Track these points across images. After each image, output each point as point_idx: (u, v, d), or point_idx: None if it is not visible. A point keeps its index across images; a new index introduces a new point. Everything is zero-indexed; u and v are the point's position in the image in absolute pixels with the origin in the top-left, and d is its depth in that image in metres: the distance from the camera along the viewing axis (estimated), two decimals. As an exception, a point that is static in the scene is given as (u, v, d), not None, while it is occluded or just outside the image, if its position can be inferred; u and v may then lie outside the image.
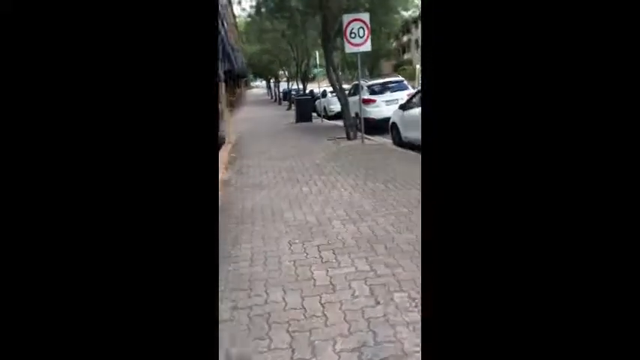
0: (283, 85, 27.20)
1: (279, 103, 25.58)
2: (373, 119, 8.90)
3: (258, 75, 33.37)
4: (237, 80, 31.22)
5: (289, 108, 19.06)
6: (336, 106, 12.13)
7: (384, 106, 9.17)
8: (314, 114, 13.98)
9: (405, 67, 32.29)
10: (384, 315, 1.90)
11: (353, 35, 7.21)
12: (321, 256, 2.65)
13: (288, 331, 1.84)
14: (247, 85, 56.29)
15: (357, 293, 2.12)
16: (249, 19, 17.58)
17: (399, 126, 7.05)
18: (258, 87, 58.62)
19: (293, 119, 13.63)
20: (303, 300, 2.10)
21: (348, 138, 8.14)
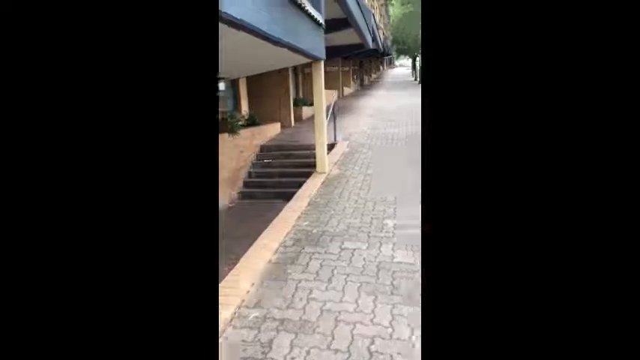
0: None
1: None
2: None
3: (403, 52, 30.02)
4: (379, 59, 29.61)
5: None
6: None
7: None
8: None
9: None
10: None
11: None
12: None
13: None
14: (391, 64, 54.24)
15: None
16: None
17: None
18: (402, 65, 54.97)
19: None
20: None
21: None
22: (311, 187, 5.02)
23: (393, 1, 18.73)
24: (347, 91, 19.07)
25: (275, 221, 3.82)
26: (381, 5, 25.48)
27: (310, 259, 3.02)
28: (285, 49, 3.95)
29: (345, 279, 2.69)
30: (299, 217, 3.94)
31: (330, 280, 2.68)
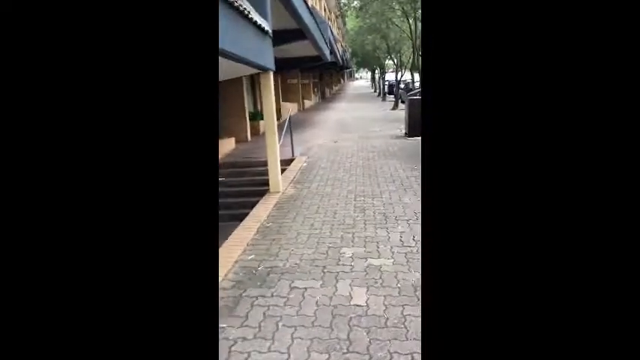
0: (390, 77, 23.27)
1: (383, 99, 21.32)
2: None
3: (362, 65, 30.09)
4: (339, 72, 29.97)
5: (395, 107, 15.38)
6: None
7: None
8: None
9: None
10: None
11: None
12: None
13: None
14: (351, 77, 55.16)
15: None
16: None
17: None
18: (362, 78, 56.76)
19: (402, 126, 9.36)
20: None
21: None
22: (262, 210, 4.50)
23: (348, 14, 19.01)
24: (308, 103, 18.84)
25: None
26: (337, 18, 25.66)
27: (252, 306, 2.51)
28: (224, 59, 3.48)
29: (292, 334, 2.21)
30: (244, 251, 3.41)
31: (273, 338, 2.18)
